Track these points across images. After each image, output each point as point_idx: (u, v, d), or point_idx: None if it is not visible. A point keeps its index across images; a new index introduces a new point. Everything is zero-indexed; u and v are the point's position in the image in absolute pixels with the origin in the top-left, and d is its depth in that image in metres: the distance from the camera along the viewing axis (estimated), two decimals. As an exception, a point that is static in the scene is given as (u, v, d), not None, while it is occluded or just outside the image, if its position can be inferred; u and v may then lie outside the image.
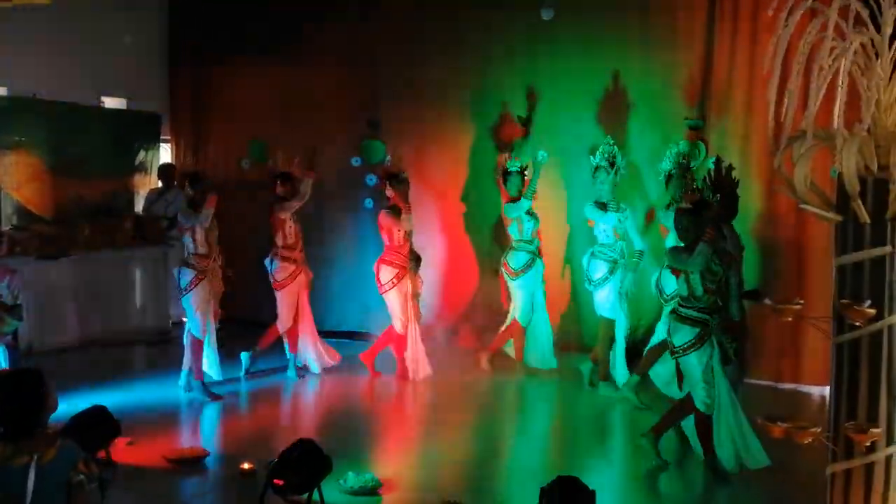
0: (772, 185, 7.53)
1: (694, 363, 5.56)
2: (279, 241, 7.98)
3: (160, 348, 9.44)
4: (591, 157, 7.67)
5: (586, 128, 8.71)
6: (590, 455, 6.35)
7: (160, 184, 10.64)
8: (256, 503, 4.95)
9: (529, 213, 7.97)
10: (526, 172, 8.04)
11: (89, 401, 5.99)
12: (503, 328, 8.27)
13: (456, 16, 9.32)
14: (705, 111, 8.19)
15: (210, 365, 7.59)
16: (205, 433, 6.80)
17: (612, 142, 7.66)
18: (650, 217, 8.40)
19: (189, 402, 7.36)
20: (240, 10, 10.59)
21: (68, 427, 5.37)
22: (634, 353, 7.69)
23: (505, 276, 8.06)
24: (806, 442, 3.82)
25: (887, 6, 3.70)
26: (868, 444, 3.74)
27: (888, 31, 3.71)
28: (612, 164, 7.50)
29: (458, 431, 6.84)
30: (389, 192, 7.88)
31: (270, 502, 4.94)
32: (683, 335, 5.57)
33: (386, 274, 7.89)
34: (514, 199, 7.95)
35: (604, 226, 7.53)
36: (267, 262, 8.09)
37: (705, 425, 5.60)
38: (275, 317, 8.14)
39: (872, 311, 3.70)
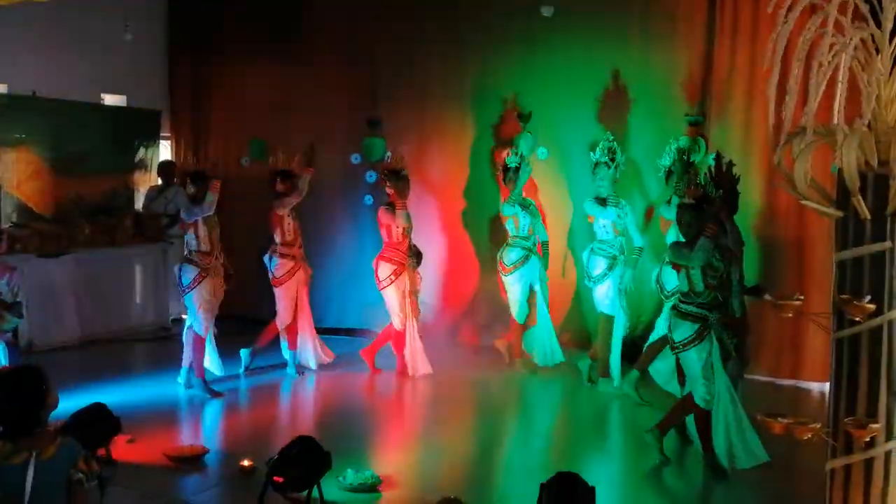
0: (772, 181, 7.53)
1: (693, 359, 5.56)
2: (278, 238, 7.99)
3: (160, 345, 9.45)
4: (591, 154, 7.66)
5: (586, 124, 8.71)
6: (590, 451, 6.35)
7: (160, 181, 10.64)
8: (256, 500, 4.96)
9: (526, 208, 7.96)
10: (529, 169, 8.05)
11: (89, 398, 5.97)
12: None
13: (456, 13, 9.32)
14: (706, 107, 8.19)
15: (211, 361, 7.59)
16: (205, 430, 6.81)
17: (611, 137, 7.66)
18: (650, 213, 8.39)
19: (189, 399, 7.36)
20: (240, 8, 10.60)
21: (68, 425, 5.37)
22: (634, 350, 7.70)
23: (500, 272, 8.07)
24: (805, 438, 3.81)
25: (888, 1, 3.69)
26: (867, 439, 3.73)
27: (888, 26, 3.70)
28: (611, 160, 7.50)
29: (457, 428, 6.84)
30: (389, 189, 7.89)
31: (270, 499, 4.94)
32: (683, 331, 5.57)
33: (384, 270, 7.90)
34: (518, 196, 7.99)
35: (603, 222, 7.53)
36: (266, 258, 8.09)
37: (704, 421, 5.60)
38: (274, 314, 8.14)
39: (872, 307, 3.69)
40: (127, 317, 9.88)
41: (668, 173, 7.22)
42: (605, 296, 7.52)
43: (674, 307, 5.81)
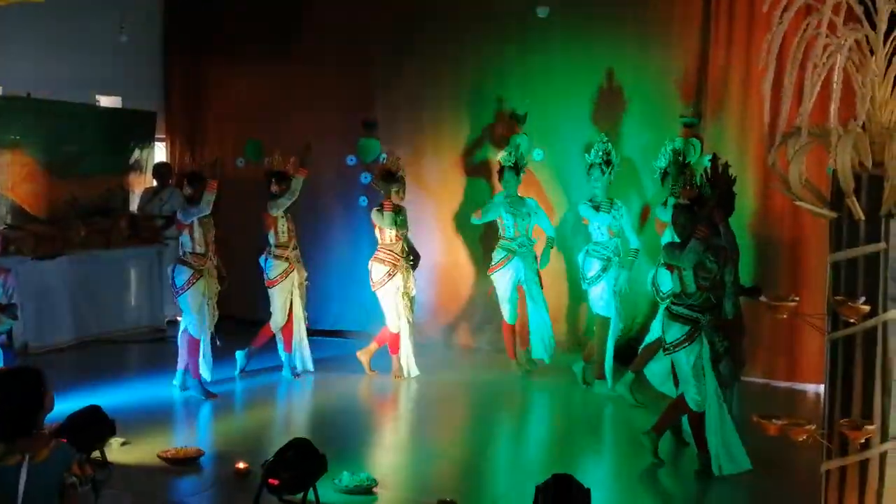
0: (767, 182, 7.53)
1: (683, 360, 5.56)
2: (272, 240, 7.98)
3: (155, 347, 9.43)
4: (586, 155, 7.66)
5: (582, 125, 8.71)
6: (585, 453, 6.35)
7: (155, 183, 10.62)
8: (252, 503, 4.95)
9: (515, 210, 7.96)
10: (523, 169, 8.05)
11: (84, 400, 5.99)
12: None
13: (451, 14, 9.31)
14: (701, 108, 8.19)
15: (202, 365, 7.55)
16: (200, 432, 6.79)
17: (606, 139, 7.66)
18: (646, 214, 8.39)
19: (184, 401, 7.35)
20: (235, 9, 10.58)
21: (63, 427, 5.36)
22: (629, 351, 7.69)
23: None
24: (801, 439, 3.81)
25: (882, 2, 3.70)
26: (863, 440, 3.74)
27: (883, 27, 3.71)
28: (606, 164, 7.49)
29: (453, 430, 6.84)
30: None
31: (266, 502, 4.93)
32: (674, 332, 5.58)
33: (378, 271, 7.90)
34: (512, 196, 7.98)
35: (598, 224, 7.53)
36: (262, 260, 8.08)
37: (698, 423, 5.60)
38: (270, 315, 8.13)
39: (867, 308, 3.70)
40: (122, 319, 9.86)
41: (664, 174, 7.23)
42: (599, 297, 7.53)
43: (666, 308, 5.81)
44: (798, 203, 3.89)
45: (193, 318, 7.32)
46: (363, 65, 9.78)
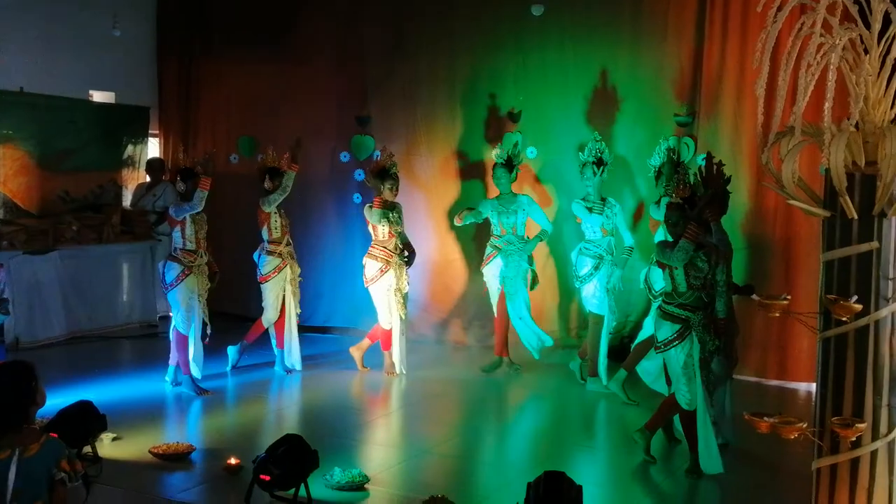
0: (760, 181, 7.55)
1: (674, 359, 5.57)
2: (265, 236, 7.98)
3: (147, 343, 9.41)
4: (580, 154, 7.67)
5: (575, 123, 8.71)
6: (577, 450, 6.35)
7: (148, 178, 10.60)
8: (243, 499, 4.94)
9: (499, 209, 7.96)
10: (517, 166, 8.05)
11: (75, 395, 5.98)
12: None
13: (445, 11, 9.31)
14: (695, 107, 8.20)
15: (191, 361, 7.52)
16: (191, 428, 6.77)
17: (599, 138, 7.66)
18: (639, 213, 8.40)
19: (175, 396, 7.33)
20: (229, 5, 10.57)
21: (54, 422, 5.36)
22: (622, 349, 7.69)
23: None
24: (792, 437, 3.83)
25: (876, 2, 3.71)
26: (853, 438, 3.75)
27: (877, 27, 3.72)
28: (599, 162, 7.49)
29: (445, 427, 6.84)
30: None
31: (257, 498, 4.92)
32: (665, 331, 5.58)
33: (370, 268, 7.90)
34: (503, 194, 7.97)
35: (590, 223, 7.54)
36: (255, 256, 8.08)
37: (689, 421, 5.61)
38: (262, 311, 8.12)
39: (859, 307, 3.71)
40: (114, 314, 9.84)
41: (658, 173, 7.23)
42: (592, 295, 7.53)
43: (658, 307, 5.82)
44: (791, 202, 3.91)
45: (182, 314, 7.31)
46: (357, 61, 9.78)
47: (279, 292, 8.00)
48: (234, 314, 9.72)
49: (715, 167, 5.84)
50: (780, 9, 3.80)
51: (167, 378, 7.51)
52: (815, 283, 4.24)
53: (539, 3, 8.50)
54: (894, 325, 3.78)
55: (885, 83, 3.76)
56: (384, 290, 7.88)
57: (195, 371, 7.44)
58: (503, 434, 6.98)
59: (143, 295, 10.11)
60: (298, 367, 8.15)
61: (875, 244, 3.72)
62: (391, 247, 7.90)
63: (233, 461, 5.47)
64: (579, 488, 4.12)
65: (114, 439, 5.93)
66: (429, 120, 9.46)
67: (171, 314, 7.51)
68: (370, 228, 7.98)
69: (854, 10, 3.78)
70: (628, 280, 7.72)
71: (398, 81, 9.57)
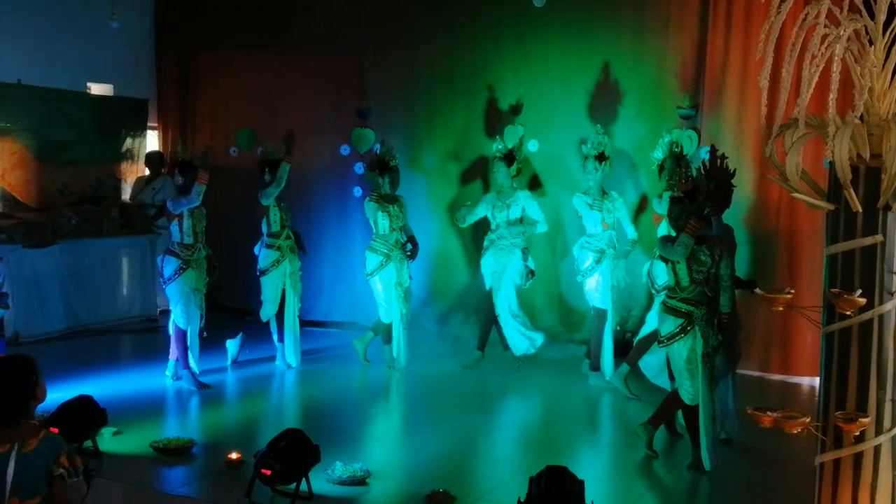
0: (764, 174, 7.51)
1: (677, 354, 5.55)
2: (264, 229, 7.95)
3: (147, 337, 9.39)
4: (582, 147, 7.63)
5: (577, 116, 8.67)
6: (579, 445, 6.34)
7: (147, 171, 10.57)
8: (244, 493, 4.93)
9: (493, 203, 7.93)
10: (517, 160, 8.01)
11: (76, 390, 5.97)
12: None
13: (445, 2, 9.27)
14: (698, 99, 8.16)
15: (189, 356, 7.49)
16: (192, 422, 6.76)
17: (602, 131, 7.62)
18: (642, 206, 8.36)
19: (176, 391, 7.32)
20: (228, -3, 10.53)
21: (55, 416, 5.35)
22: (625, 343, 7.67)
23: None
24: (795, 432, 3.81)
25: (881, -7, 3.68)
26: (857, 433, 3.73)
27: (882, 18, 3.69)
28: (601, 155, 7.45)
29: (446, 421, 6.82)
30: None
31: (258, 492, 4.91)
32: (668, 325, 5.56)
33: (371, 261, 7.90)
34: (503, 187, 7.95)
35: (590, 218, 7.52)
36: (256, 249, 8.05)
37: (691, 416, 5.59)
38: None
39: (863, 301, 3.69)
40: (114, 308, 9.81)
41: (661, 167, 7.19)
42: (594, 290, 7.51)
43: (662, 301, 5.80)
44: (795, 195, 3.88)
45: (181, 308, 7.29)
46: (357, 53, 9.74)
47: (277, 286, 7.97)
48: (234, 308, 9.70)
49: (719, 160, 5.80)
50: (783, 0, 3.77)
51: (167, 372, 7.49)
52: (818, 276, 4.21)
53: (541, -5, 8.45)
54: (898, 319, 3.75)
55: (889, 75, 3.73)
56: (384, 283, 7.86)
57: (193, 364, 7.42)
58: (505, 428, 6.97)
59: (142, 289, 10.09)
60: (296, 362, 8.08)
61: (879, 237, 3.70)
62: (391, 240, 7.88)
63: (234, 456, 5.46)
64: (581, 483, 4.10)
65: (114, 434, 5.92)
66: (429, 112, 9.43)
67: (170, 308, 7.49)
68: (371, 222, 7.96)
69: (859, 0, 3.74)
70: (631, 274, 7.70)
71: (398, 74, 9.53)
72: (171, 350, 7.45)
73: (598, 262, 7.45)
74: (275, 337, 8.13)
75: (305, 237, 8.33)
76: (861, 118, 3.72)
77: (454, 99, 9.31)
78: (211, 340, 7.65)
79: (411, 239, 8.00)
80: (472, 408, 7.33)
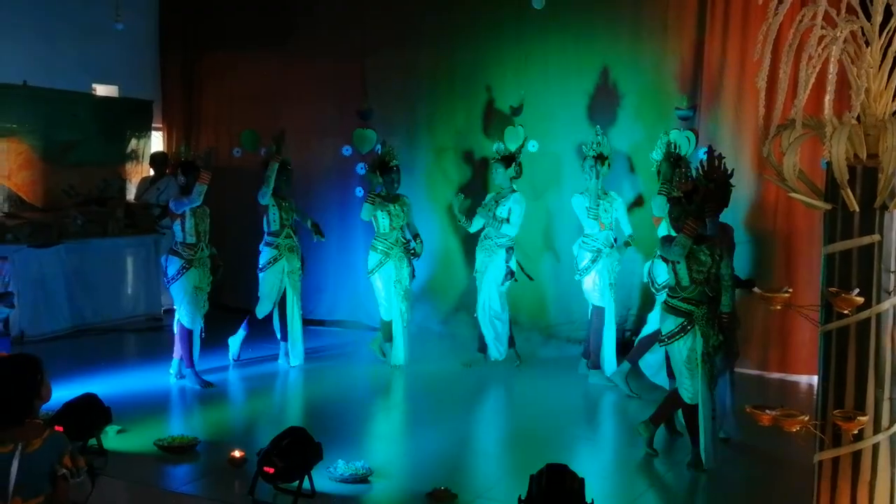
0: (761, 174, 7.54)
1: (676, 353, 5.58)
2: (265, 228, 7.99)
3: (151, 336, 9.43)
4: (583, 147, 7.65)
5: (576, 117, 8.69)
6: (579, 443, 6.37)
7: (152, 172, 10.61)
8: (247, 491, 4.97)
9: (489, 203, 7.95)
10: (517, 161, 8.03)
11: (80, 388, 6.01)
12: None
13: (447, 3, 9.30)
14: (697, 100, 8.18)
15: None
16: (195, 421, 6.78)
17: (601, 132, 7.64)
18: (639, 206, 8.38)
19: (180, 389, 7.36)
20: (232, -1, 10.57)
21: (59, 415, 5.38)
22: (625, 343, 7.68)
23: None
24: (793, 430, 3.83)
25: (877, -6, 3.70)
26: (855, 431, 3.76)
27: (878, 19, 3.71)
28: (599, 156, 7.47)
29: (448, 419, 6.84)
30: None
31: (261, 490, 4.95)
32: (669, 324, 5.59)
33: (371, 259, 7.97)
34: (501, 189, 7.97)
35: (586, 221, 7.54)
36: (260, 248, 8.09)
37: (690, 415, 5.62)
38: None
39: (860, 300, 3.71)
40: (118, 307, 9.85)
41: (659, 168, 7.21)
42: (592, 288, 7.54)
43: (663, 301, 5.82)
44: (792, 195, 3.90)
45: (185, 307, 7.32)
46: (359, 55, 9.77)
47: (275, 284, 7.98)
48: (237, 307, 9.72)
49: (716, 160, 5.83)
50: (781, 1, 3.79)
51: (171, 371, 7.53)
52: (816, 276, 4.24)
53: (539, -4, 8.48)
54: (896, 317, 3.78)
55: (886, 75, 3.75)
56: (384, 281, 7.91)
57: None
58: (506, 426, 6.99)
59: (147, 288, 10.13)
60: (296, 362, 8.08)
61: (876, 237, 3.72)
62: (392, 239, 7.92)
63: (237, 454, 5.49)
64: (582, 481, 4.13)
65: (119, 432, 5.96)
66: (430, 113, 9.46)
67: (175, 307, 7.52)
68: (373, 221, 8.00)
69: (855, 1, 3.77)
70: (629, 273, 7.72)
71: (400, 75, 9.56)
72: (174, 349, 7.49)
73: (594, 261, 7.49)
74: (278, 335, 8.16)
75: (307, 236, 8.35)
76: (858, 118, 3.74)
77: (455, 100, 9.34)
78: (213, 339, 7.68)
79: (415, 237, 8.03)
80: (473, 406, 7.36)
